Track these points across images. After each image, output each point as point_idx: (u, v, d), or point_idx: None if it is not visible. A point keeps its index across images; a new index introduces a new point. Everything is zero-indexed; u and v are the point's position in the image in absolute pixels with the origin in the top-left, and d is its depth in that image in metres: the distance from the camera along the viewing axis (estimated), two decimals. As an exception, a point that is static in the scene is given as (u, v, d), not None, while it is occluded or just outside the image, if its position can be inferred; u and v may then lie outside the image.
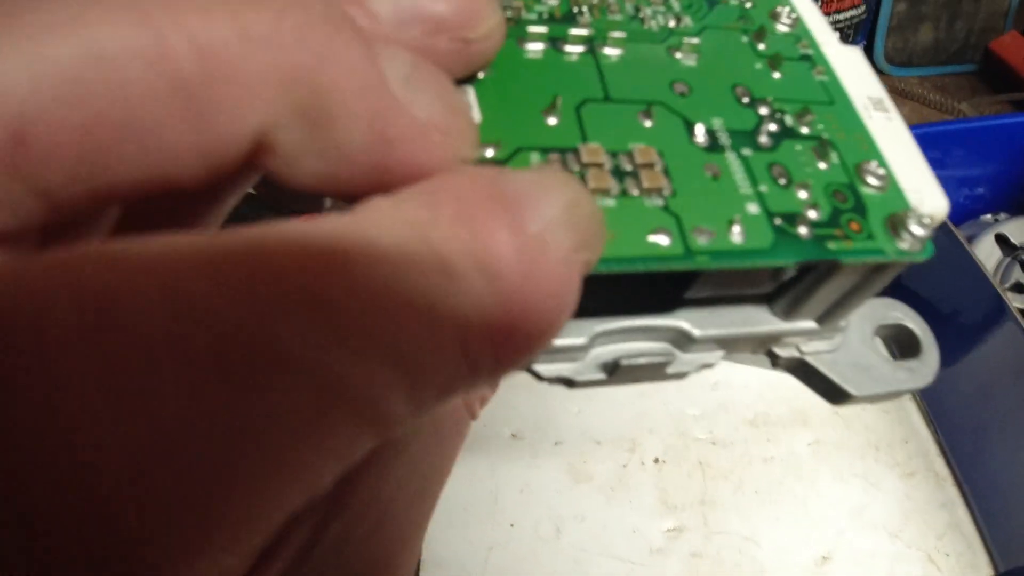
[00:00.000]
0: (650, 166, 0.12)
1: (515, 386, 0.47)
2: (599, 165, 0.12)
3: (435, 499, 0.18)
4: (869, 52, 0.74)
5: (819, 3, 0.66)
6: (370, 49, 0.09)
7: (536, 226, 0.09)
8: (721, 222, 0.12)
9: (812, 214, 0.12)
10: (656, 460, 0.46)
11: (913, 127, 0.54)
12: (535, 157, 0.12)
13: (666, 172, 0.12)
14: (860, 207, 0.13)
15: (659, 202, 0.12)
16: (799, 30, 0.15)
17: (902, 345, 0.18)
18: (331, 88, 0.09)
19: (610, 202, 0.11)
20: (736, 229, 0.12)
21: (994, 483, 0.42)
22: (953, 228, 0.44)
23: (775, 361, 0.17)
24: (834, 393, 0.16)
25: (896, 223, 0.13)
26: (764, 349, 0.16)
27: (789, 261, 0.12)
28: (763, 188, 0.12)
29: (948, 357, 0.45)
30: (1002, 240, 0.51)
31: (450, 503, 0.45)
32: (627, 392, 0.49)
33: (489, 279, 0.09)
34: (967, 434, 0.44)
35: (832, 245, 0.12)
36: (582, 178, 0.11)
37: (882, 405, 0.48)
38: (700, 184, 0.12)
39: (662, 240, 0.11)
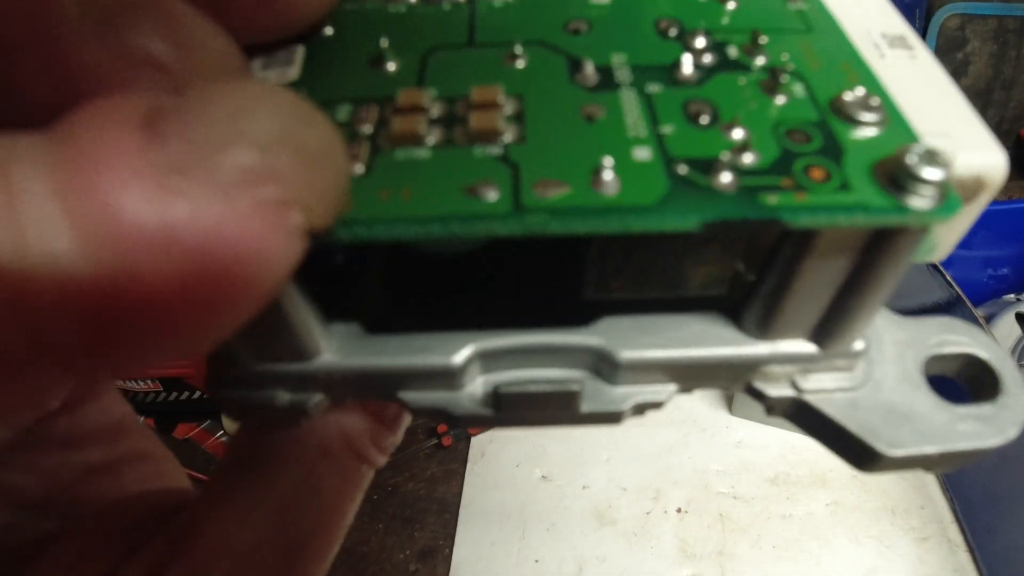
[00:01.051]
0: (489, 107, 0.10)
1: (548, 430, 0.50)
2: (417, 109, 0.09)
3: (323, 555, 0.15)
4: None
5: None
6: None
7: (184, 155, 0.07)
8: (583, 172, 0.09)
9: (746, 159, 0.09)
10: (679, 510, 0.49)
11: None
12: (345, 109, 0.10)
13: (518, 117, 0.10)
14: (831, 149, 0.09)
15: (495, 151, 0.09)
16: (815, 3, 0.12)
17: (972, 383, 0.13)
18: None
19: (423, 152, 0.09)
20: (607, 178, 0.09)
21: (1006, 553, 0.43)
22: (972, 308, 0.46)
23: (767, 407, 0.12)
24: (857, 452, 0.11)
25: (893, 168, 0.09)
26: (742, 384, 0.12)
27: (688, 222, 0.09)
28: (666, 130, 0.10)
29: None
30: (1021, 319, 0.52)
31: (479, 535, 0.48)
32: (654, 445, 0.52)
33: (79, 230, 0.07)
34: (982, 504, 0.45)
35: (770, 199, 0.09)
36: (388, 127, 0.09)
37: (900, 472, 0.50)
38: (566, 129, 0.10)
39: (488, 195, 0.09)
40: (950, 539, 0.46)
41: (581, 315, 0.11)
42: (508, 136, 0.09)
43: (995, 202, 0.61)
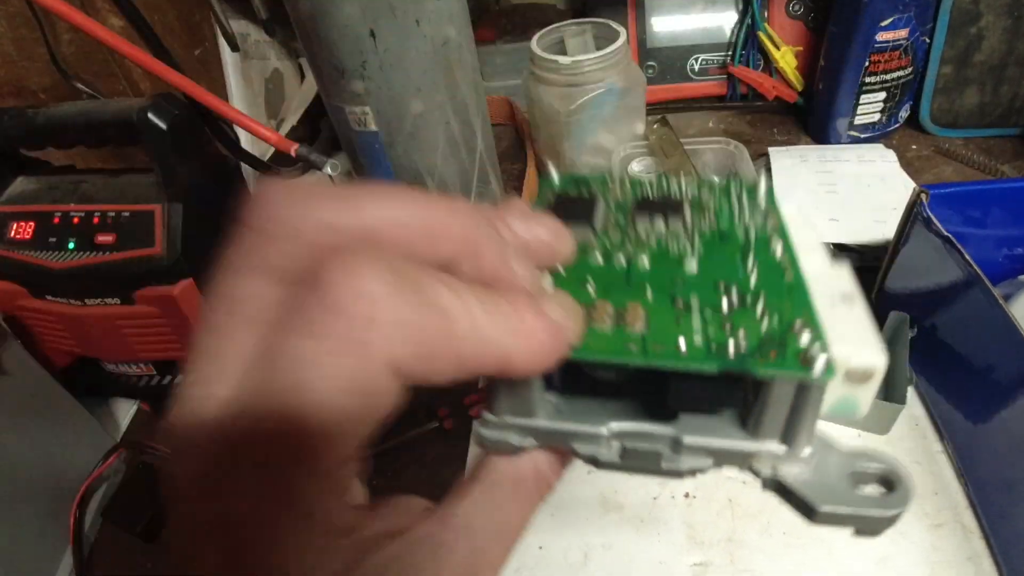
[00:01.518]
0: (635, 312, 0.19)
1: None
2: (605, 311, 0.19)
3: (504, 551, 0.19)
4: (915, 112, 0.75)
5: (866, 65, 0.68)
6: (503, 243, 0.18)
7: (550, 317, 0.17)
8: (672, 342, 0.18)
9: (742, 341, 0.17)
10: (686, 495, 0.47)
11: (955, 184, 0.55)
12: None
13: (649, 317, 0.19)
14: (783, 345, 0.17)
15: (638, 328, 0.18)
16: (789, 259, 0.21)
17: (880, 479, 0.19)
18: (481, 249, 0.17)
19: (607, 327, 0.18)
20: (682, 347, 0.18)
21: (1021, 540, 0.42)
22: (990, 287, 0.44)
23: (763, 481, 0.19)
24: (805, 509, 0.19)
25: (807, 355, 0.17)
26: (747, 465, 0.19)
27: (711, 367, 0.17)
28: (711, 332, 0.18)
29: (981, 413, 0.46)
30: (1040, 301, 0.51)
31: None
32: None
33: (518, 337, 0.16)
34: (997, 490, 0.44)
35: (751, 364, 0.17)
36: (591, 309, 0.19)
37: (912, 456, 0.48)
38: (666, 324, 0.19)
39: (632, 348, 0.18)
40: (964, 525, 0.45)
41: (668, 414, 0.20)
42: (640, 325, 0.18)
43: (1010, 179, 0.60)
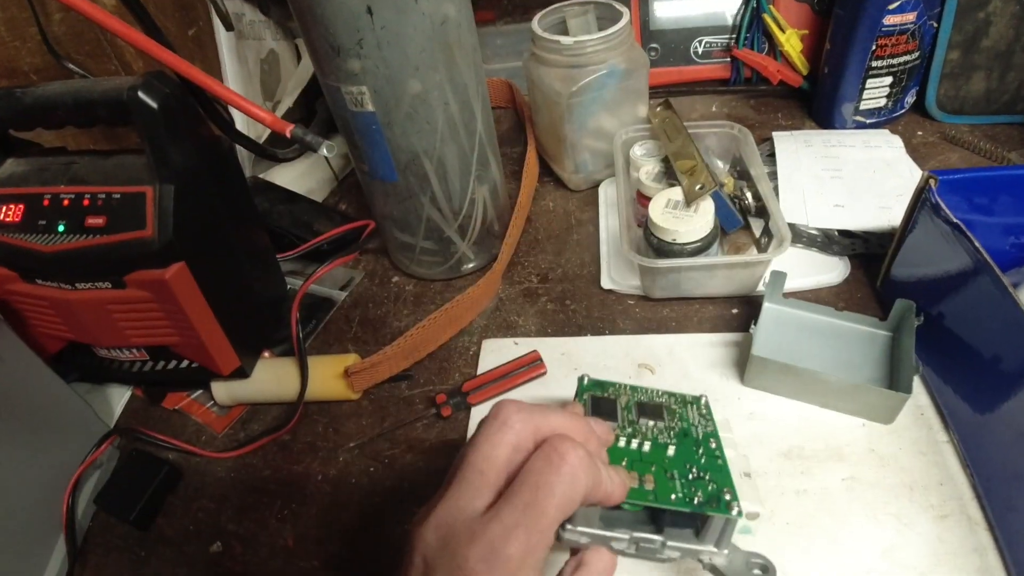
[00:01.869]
0: (649, 479, 0.36)
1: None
2: (633, 478, 0.36)
3: None
4: (921, 98, 0.74)
5: (873, 49, 0.67)
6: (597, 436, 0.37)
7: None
8: (667, 494, 0.35)
9: (699, 497, 0.35)
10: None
11: (963, 171, 0.53)
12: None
13: (654, 481, 0.36)
14: (717, 500, 0.35)
15: (648, 487, 0.35)
16: (718, 449, 0.40)
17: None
18: (593, 441, 0.36)
19: (636, 486, 0.35)
20: (672, 496, 0.35)
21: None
22: (1000, 274, 0.44)
23: (704, 566, 0.36)
24: None
25: (729, 507, 0.35)
26: (697, 557, 0.36)
27: (687, 509, 0.35)
28: (685, 491, 0.35)
29: (988, 403, 0.45)
30: (1048, 289, 0.50)
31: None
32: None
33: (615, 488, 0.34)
34: (1003, 481, 0.44)
35: (704, 507, 0.35)
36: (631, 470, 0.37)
37: (918, 446, 0.48)
38: (664, 484, 0.36)
39: (650, 498, 0.35)
40: (970, 517, 0.44)
41: (659, 528, 0.36)
42: (651, 486, 0.36)
43: (1018, 167, 0.59)
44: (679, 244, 0.54)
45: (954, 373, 0.49)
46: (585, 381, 0.44)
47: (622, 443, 0.39)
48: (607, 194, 0.69)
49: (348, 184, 0.76)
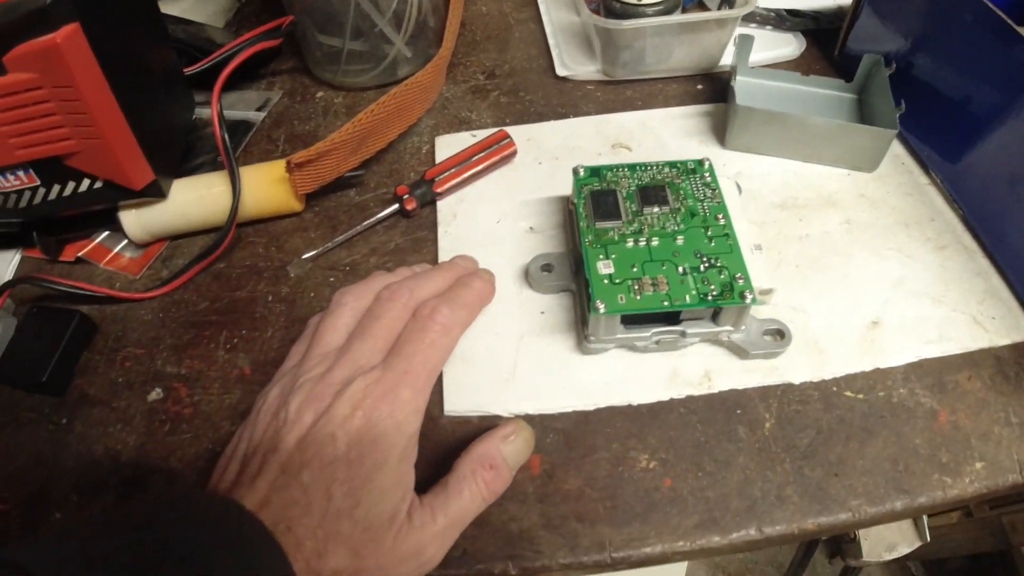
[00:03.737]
0: (661, 281, 0.36)
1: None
2: (647, 282, 0.36)
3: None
4: None
5: None
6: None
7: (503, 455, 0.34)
8: (682, 295, 0.36)
9: (714, 292, 0.36)
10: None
11: None
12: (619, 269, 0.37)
13: (667, 282, 0.36)
14: (731, 290, 0.36)
15: (663, 290, 0.36)
16: (727, 226, 0.39)
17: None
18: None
19: (650, 292, 0.36)
20: (687, 297, 0.36)
21: (1023, 255, 0.41)
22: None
23: (724, 344, 0.39)
24: (742, 353, 0.39)
25: (743, 295, 0.35)
26: (717, 338, 0.39)
27: (703, 307, 0.36)
28: (699, 288, 0.36)
29: (964, 145, 0.43)
30: None
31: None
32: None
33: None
34: (989, 215, 0.43)
35: (719, 301, 0.35)
36: (639, 281, 0.36)
37: (903, 189, 0.46)
38: (678, 285, 0.36)
39: (664, 303, 0.36)
40: (966, 246, 0.44)
41: (677, 323, 0.38)
42: (665, 288, 0.36)
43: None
44: (645, 4, 0.49)
45: (928, 120, 0.47)
46: (581, 173, 0.42)
47: (629, 244, 0.38)
48: (545, -7, 0.63)
49: (244, 15, 0.66)
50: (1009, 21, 0.40)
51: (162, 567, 0.25)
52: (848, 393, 0.38)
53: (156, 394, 0.41)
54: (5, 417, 0.42)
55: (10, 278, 0.48)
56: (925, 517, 0.98)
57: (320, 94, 0.57)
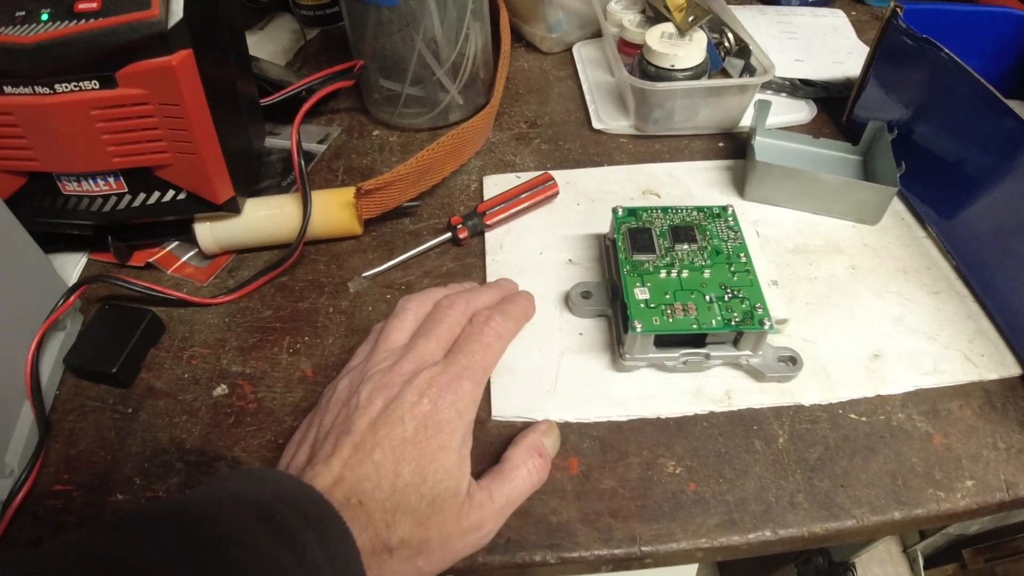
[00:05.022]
0: (691, 307, 0.41)
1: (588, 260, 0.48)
2: (678, 308, 0.41)
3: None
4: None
5: None
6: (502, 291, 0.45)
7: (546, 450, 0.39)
8: (708, 320, 0.41)
9: (736, 318, 0.41)
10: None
11: (926, 4, 0.57)
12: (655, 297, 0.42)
13: (696, 308, 0.41)
14: (751, 317, 0.41)
15: (692, 315, 0.41)
16: (747, 263, 0.44)
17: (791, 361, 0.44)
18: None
19: (681, 316, 0.41)
20: (712, 322, 0.41)
21: (1008, 302, 0.46)
22: (970, 70, 0.48)
23: (742, 368, 0.44)
24: (759, 376, 0.44)
25: (762, 322, 0.41)
26: (736, 362, 0.44)
27: (727, 331, 0.41)
28: (724, 314, 0.41)
29: (958, 202, 0.49)
30: None
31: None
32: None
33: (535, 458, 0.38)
34: (978, 265, 0.48)
35: (741, 326, 0.41)
36: (671, 307, 0.42)
37: (902, 240, 0.52)
38: (705, 311, 0.41)
39: (693, 326, 0.41)
40: (958, 292, 0.49)
41: (702, 346, 0.43)
42: (694, 313, 0.41)
43: (979, 4, 0.63)
44: (676, 69, 0.55)
45: (925, 180, 0.53)
46: (620, 212, 0.47)
47: (662, 275, 0.43)
48: (582, 54, 0.70)
49: (306, 55, 0.72)
50: (998, 95, 0.46)
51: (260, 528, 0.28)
52: (852, 415, 0.43)
53: (221, 390, 0.46)
54: (74, 403, 0.46)
55: (77, 279, 0.52)
56: (922, 570, 1.01)
57: (376, 132, 0.63)
